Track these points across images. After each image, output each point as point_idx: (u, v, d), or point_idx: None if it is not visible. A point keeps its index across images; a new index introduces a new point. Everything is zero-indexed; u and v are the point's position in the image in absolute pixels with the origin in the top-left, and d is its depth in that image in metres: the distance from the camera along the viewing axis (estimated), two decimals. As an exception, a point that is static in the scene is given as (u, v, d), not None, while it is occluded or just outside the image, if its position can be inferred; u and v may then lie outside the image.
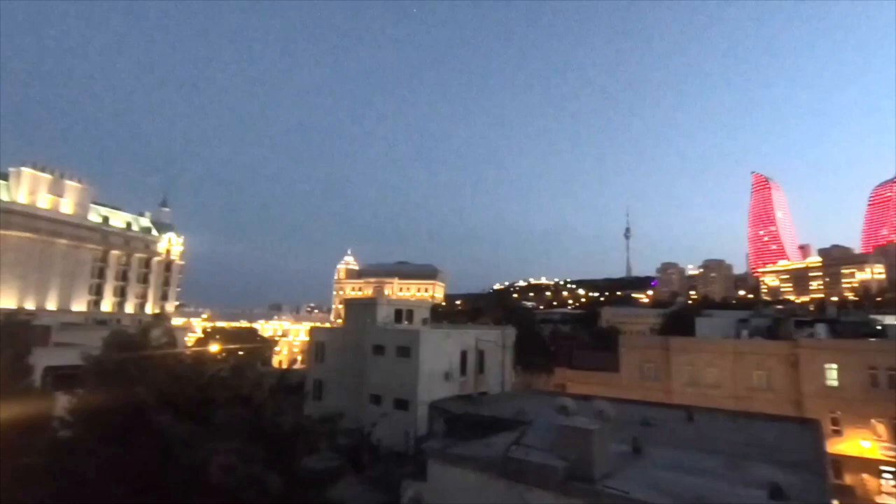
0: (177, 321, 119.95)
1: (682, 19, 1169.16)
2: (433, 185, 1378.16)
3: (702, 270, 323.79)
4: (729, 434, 21.36)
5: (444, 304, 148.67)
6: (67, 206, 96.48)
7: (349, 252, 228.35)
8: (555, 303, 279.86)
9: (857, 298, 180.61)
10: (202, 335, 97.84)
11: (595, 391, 34.71)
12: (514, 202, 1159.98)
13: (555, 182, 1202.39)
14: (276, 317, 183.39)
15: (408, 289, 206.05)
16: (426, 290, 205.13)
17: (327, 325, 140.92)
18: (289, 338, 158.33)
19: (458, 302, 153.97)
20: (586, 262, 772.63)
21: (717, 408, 29.48)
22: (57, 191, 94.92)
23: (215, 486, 12.81)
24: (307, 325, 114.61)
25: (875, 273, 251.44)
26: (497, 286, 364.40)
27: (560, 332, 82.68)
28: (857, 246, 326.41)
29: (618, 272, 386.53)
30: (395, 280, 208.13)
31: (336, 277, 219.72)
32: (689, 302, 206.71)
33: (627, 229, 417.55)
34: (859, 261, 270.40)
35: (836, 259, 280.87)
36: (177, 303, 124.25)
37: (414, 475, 18.99)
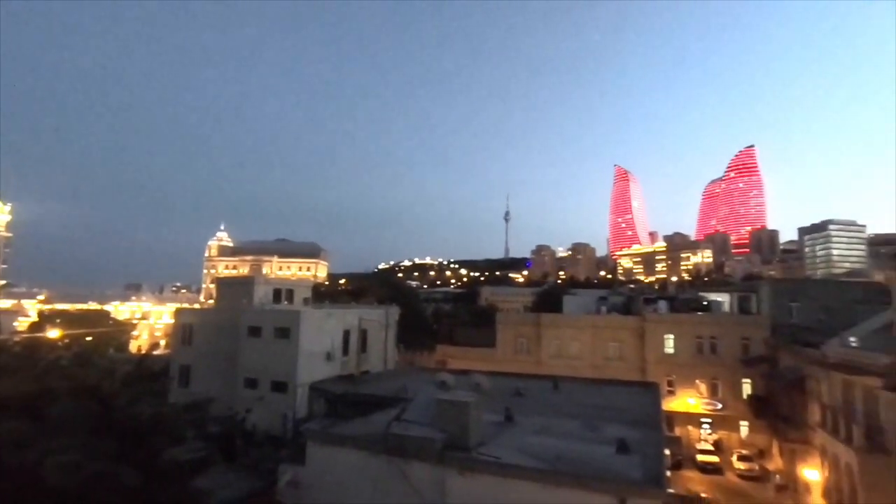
0: (2, 304, 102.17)
1: (558, 13, 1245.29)
2: (317, 163, 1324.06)
3: (570, 253, 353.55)
4: (588, 399, 23.95)
5: (327, 283, 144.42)
6: None
7: (223, 227, 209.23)
8: (438, 282, 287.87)
9: (690, 279, 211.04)
10: (38, 319, 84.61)
11: (473, 366, 36.72)
12: (401, 185, 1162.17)
13: (441, 166, 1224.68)
14: (134, 297, 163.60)
15: (288, 267, 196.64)
16: (308, 269, 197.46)
17: (196, 306, 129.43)
18: (150, 321, 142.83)
19: (342, 281, 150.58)
20: (469, 243, 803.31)
21: (579, 377, 32.86)
22: None
23: (56, 487, 11.26)
24: (172, 307, 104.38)
25: (704, 257, 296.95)
26: (382, 265, 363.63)
27: (442, 310, 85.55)
28: (693, 233, 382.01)
29: (497, 253, 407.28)
30: (275, 258, 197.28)
31: (207, 255, 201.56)
32: (559, 282, 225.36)
33: (507, 213, 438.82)
34: (693, 246, 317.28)
35: (676, 245, 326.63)
36: (2, 282, 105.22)
37: (292, 459, 18.44)
